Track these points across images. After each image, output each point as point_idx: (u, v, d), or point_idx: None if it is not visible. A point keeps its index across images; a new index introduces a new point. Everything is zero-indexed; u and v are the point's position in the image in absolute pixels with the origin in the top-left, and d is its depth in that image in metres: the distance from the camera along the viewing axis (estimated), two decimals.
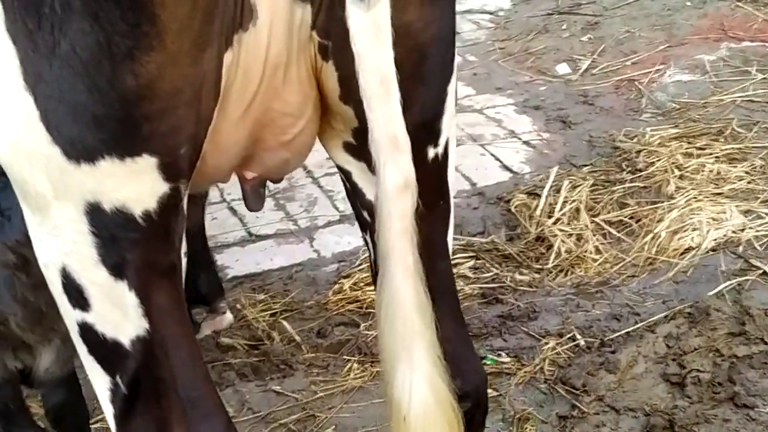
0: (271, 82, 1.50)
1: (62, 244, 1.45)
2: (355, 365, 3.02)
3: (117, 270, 1.47)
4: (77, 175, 1.39)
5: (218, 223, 3.94)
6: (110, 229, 1.43)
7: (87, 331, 1.54)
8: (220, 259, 3.67)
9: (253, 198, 1.72)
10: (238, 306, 3.39)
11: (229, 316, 3.32)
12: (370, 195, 1.68)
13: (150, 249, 1.48)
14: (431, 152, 1.61)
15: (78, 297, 1.50)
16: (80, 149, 1.37)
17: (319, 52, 1.51)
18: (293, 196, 4.12)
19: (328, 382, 2.97)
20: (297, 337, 3.18)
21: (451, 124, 1.63)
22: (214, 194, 3.94)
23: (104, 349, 1.55)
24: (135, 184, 1.41)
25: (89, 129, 1.36)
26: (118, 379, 1.57)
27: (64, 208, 1.43)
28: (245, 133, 1.57)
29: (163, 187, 1.44)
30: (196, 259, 2.98)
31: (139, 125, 1.37)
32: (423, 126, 1.58)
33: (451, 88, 1.60)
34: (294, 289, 3.48)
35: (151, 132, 1.38)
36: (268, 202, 3.97)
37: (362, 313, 3.28)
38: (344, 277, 3.49)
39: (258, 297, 3.47)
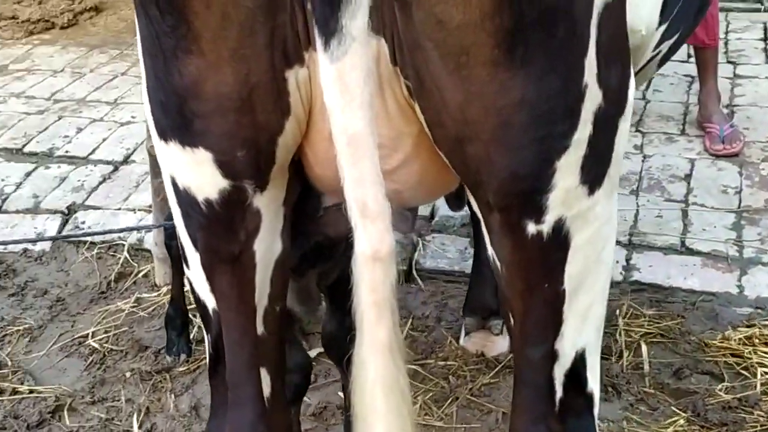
0: None
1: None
2: None
3: (193, 243, 1.56)
4: (161, 150, 1.50)
5: None
6: (184, 206, 1.52)
7: (191, 289, 1.70)
8: None
9: (397, 219, 1.58)
10: None
11: (503, 342, 3.08)
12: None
13: (212, 235, 1.51)
14: (531, 228, 1.35)
15: (183, 256, 1.65)
16: (159, 128, 1.48)
17: (407, 89, 1.35)
18: None
19: None
20: None
21: (569, 203, 1.36)
22: None
23: (200, 307, 1.68)
24: (195, 173, 1.45)
25: (161, 111, 1.45)
26: (208, 336, 1.71)
27: (163, 176, 1.56)
28: None
29: (222, 182, 1.44)
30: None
31: (191, 120, 1.39)
32: (516, 196, 1.34)
33: (563, 164, 1.31)
34: None
35: (203, 129, 1.39)
36: None
37: None
38: None
39: None
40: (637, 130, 4.38)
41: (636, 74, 1.73)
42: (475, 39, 1.21)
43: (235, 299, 1.57)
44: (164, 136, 1.47)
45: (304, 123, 1.41)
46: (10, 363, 3.27)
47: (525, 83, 1.25)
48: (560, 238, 1.37)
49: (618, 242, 3.10)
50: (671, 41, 1.99)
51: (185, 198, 1.50)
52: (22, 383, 3.16)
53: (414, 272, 3.56)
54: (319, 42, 1.24)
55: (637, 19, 1.64)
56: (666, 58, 2.16)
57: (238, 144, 1.39)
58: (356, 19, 1.23)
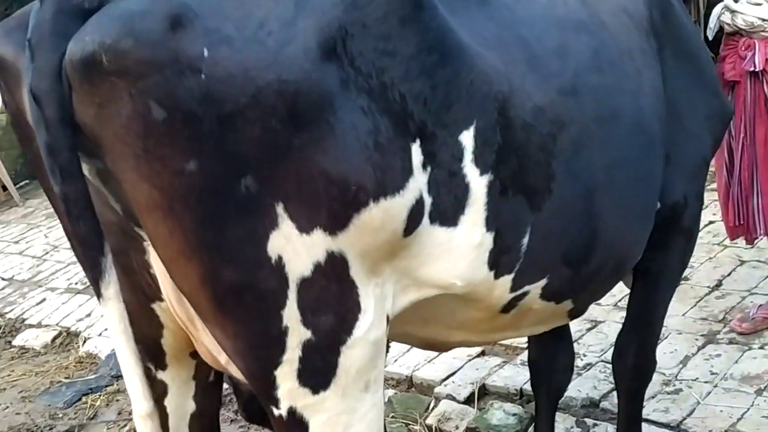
0: None
1: None
2: None
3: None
4: None
5: None
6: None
7: None
8: None
9: None
10: None
11: None
12: None
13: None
14: (275, 412, 1.70)
15: None
16: None
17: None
18: None
19: None
20: None
21: (294, 398, 1.68)
22: None
23: None
24: None
25: None
26: None
27: None
28: None
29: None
30: None
31: None
32: (258, 392, 1.75)
33: (280, 374, 1.67)
34: None
35: None
36: None
37: None
38: None
39: None
40: None
41: (505, 312, 2.04)
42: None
43: None
44: None
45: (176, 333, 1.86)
46: None
47: (235, 331, 1.62)
48: (296, 420, 1.68)
49: None
50: (539, 284, 2.06)
51: None
52: None
53: None
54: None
55: (451, 271, 1.83)
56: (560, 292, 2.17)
57: (135, 342, 1.69)
58: (109, 289, 1.58)
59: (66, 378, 4.61)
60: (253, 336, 1.62)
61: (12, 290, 6.18)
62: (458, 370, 3.90)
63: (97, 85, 1.42)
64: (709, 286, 4.34)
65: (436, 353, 4.02)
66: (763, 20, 3.42)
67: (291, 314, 1.60)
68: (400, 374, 3.94)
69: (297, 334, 1.61)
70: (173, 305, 1.75)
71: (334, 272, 1.62)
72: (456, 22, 1.81)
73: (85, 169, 1.53)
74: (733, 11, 3.49)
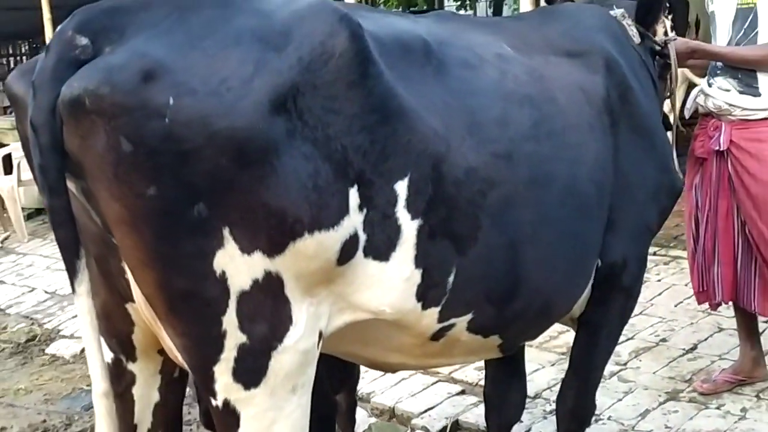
0: None
1: None
2: None
3: None
4: None
5: None
6: None
7: None
8: None
9: None
10: None
11: None
12: None
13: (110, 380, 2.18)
14: (213, 402, 2.00)
15: None
16: None
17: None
18: None
19: None
20: None
21: (229, 392, 1.98)
22: None
23: None
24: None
25: None
26: None
27: None
28: None
29: (110, 354, 2.25)
30: None
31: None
32: (200, 384, 2.07)
33: (217, 370, 1.97)
34: None
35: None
36: None
37: None
38: None
39: None
40: None
41: (435, 340, 2.34)
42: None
43: (120, 417, 2.18)
44: None
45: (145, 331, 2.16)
46: None
47: (182, 330, 1.95)
48: (230, 411, 1.98)
49: None
50: (464, 318, 2.36)
51: None
52: None
53: None
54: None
55: (381, 299, 2.14)
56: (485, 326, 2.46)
57: (110, 336, 2.17)
58: (81, 286, 1.89)
59: (87, 386, 4.94)
60: (197, 335, 1.93)
61: (53, 303, 6.64)
62: (437, 405, 4.20)
63: (81, 121, 1.75)
64: (684, 349, 4.60)
65: (420, 387, 4.36)
66: (730, 105, 3.72)
67: (230, 320, 1.90)
68: (384, 405, 4.26)
69: (234, 337, 1.91)
70: (141, 306, 2.04)
71: (270, 288, 1.92)
72: (405, 87, 2.11)
73: (72, 187, 1.88)
74: (706, 95, 3.81)
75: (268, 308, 1.93)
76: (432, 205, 2.15)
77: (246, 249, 1.86)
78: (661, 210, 3.02)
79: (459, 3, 21.52)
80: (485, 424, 3.93)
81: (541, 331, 2.81)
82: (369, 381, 4.44)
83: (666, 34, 6.30)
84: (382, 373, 4.46)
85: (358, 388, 4.32)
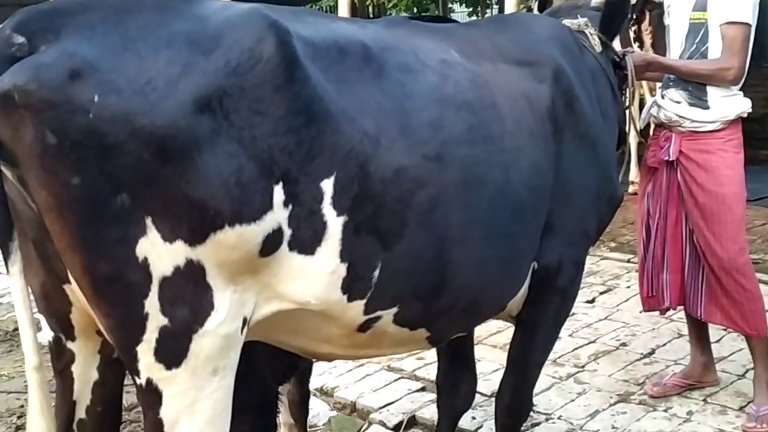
0: None
1: None
2: None
3: None
4: None
5: None
6: None
7: None
8: None
9: None
10: None
11: None
12: None
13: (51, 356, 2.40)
14: (137, 380, 2.12)
15: None
16: None
17: None
18: None
19: None
20: None
21: (151, 371, 2.09)
22: None
23: None
24: None
25: None
26: None
27: None
28: None
29: (50, 333, 2.35)
30: None
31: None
32: (126, 364, 2.18)
33: (140, 350, 2.09)
34: None
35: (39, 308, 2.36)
36: None
37: None
38: None
39: None
40: None
41: (362, 331, 2.45)
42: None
43: (60, 394, 2.36)
44: None
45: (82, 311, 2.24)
46: None
47: (107, 312, 2.06)
48: (152, 389, 2.10)
49: None
50: (390, 311, 2.46)
51: None
52: None
53: None
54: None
55: (307, 290, 2.25)
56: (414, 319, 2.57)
57: (49, 315, 2.29)
58: (14, 267, 2.04)
59: None
60: (120, 317, 2.04)
61: None
62: (397, 400, 4.33)
63: (11, 114, 1.87)
64: (642, 353, 4.72)
65: (383, 383, 4.49)
66: (680, 117, 3.84)
67: (152, 304, 2.01)
68: (346, 399, 4.39)
69: (156, 320, 2.02)
70: (76, 287, 2.10)
71: (192, 275, 2.03)
72: (337, 90, 2.22)
73: (9, 174, 2.01)
74: (659, 106, 3.93)
75: (189, 294, 2.04)
76: (358, 202, 2.26)
77: (168, 237, 1.98)
78: (601, 217, 3.13)
79: (470, 9, 21.66)
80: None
81: (471, 326, 2.93)
82: (335, 376, 4.58)
83: (631, 44, 6.45)
84: (348, 368, 4.63)
85: (323, 382, 4.49)
